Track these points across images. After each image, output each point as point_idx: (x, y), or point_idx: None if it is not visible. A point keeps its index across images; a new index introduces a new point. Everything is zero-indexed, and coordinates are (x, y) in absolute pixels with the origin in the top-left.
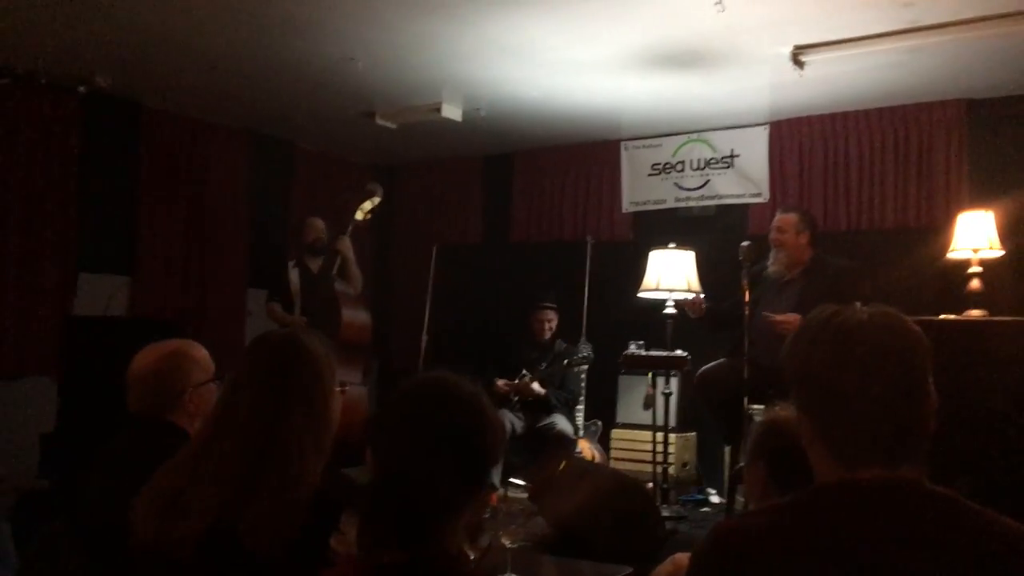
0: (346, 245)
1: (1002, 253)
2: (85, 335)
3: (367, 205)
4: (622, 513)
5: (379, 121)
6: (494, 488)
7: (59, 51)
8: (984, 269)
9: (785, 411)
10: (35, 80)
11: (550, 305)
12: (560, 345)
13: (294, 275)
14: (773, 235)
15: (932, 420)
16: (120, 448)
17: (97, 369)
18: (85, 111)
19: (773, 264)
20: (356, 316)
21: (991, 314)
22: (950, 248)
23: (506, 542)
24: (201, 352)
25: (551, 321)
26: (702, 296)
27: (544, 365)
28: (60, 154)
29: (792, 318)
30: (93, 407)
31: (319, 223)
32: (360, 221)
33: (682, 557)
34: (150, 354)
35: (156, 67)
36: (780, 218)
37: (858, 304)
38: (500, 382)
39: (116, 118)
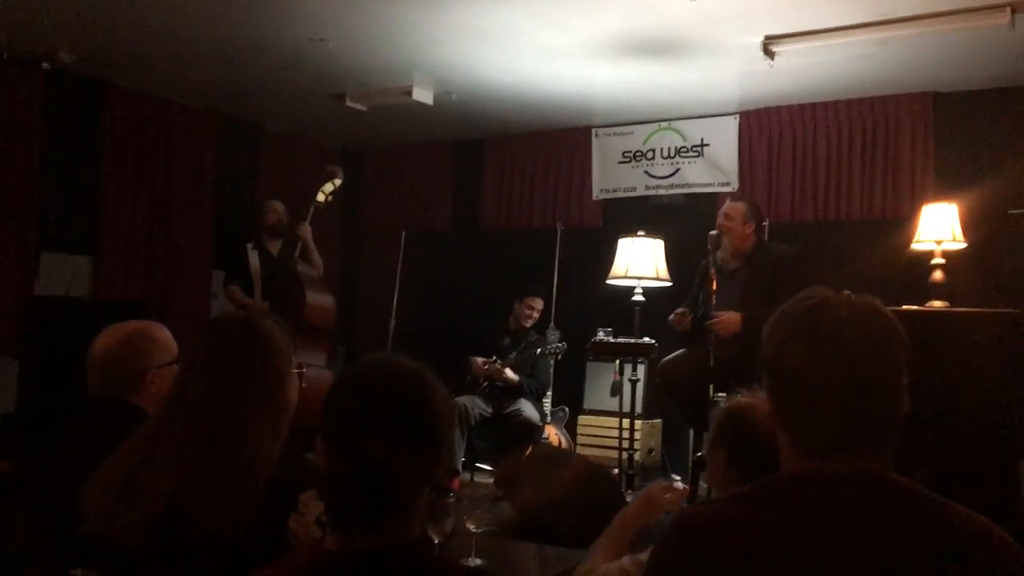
0: (306, 230)
1: (964, 245)
2: (46, 315)
3: (328, 187)
4: (587, 499)
5: (349, 103)
6: (457, 473)
7: (21, 26)
8: (947, 261)
9: (747, 398)
10: None
11: (539, 295)
12: (532, 334)
13: (253, 257)
14: (720, 220)
15: (900, 417)
16: (80, 431)
17: (58, 350)
18: (48, 88)
19: (720, 252)
20: (319, 299)
21: (952, 305)
22: (914, 240)
23: (471, 527)
24: (163, 333)
25: (538, 311)
26: (685, 311)
27: (514, 353)
28: (22, 131)
29: (726, 317)
30: (54, 388)
31: (279, 205)
32: (321, 204)
33: (654, 489)
34: (111, 335)
35: (121, 45)
36: (729, 205)
37: (846, 293)
38: (479, 360)
39: (80, 96)
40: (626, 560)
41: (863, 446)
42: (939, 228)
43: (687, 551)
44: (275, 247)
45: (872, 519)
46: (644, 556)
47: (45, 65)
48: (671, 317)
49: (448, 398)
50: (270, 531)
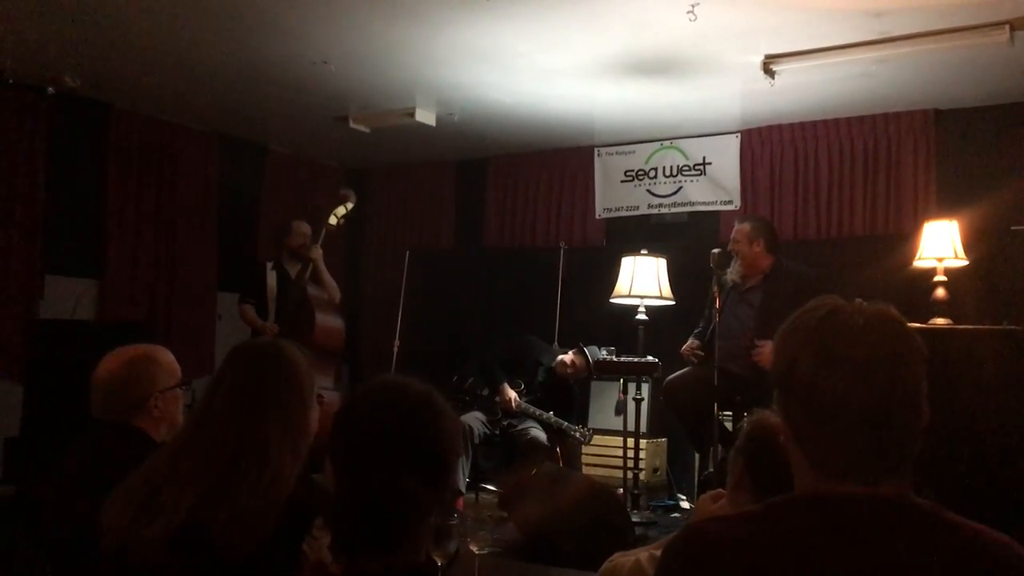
0: (317, 253)
1: (966, 263)
2: (51, 338)
3: (340, 211)
4: (592, 519)
5: (352, 125)
6: (461, 493)
7: (26, 51)
8: (948, 278)
9: (774, 415)
10: (2, 80)
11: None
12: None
13: (271, 278)
14: (730, 245)
15: (920, 434)
16: (83, 454)
17: (63, 373)
18: (53, 112)
19: (730, 273)
20: (329, 321)
21: (955, 323)
22: (916, 257)
23: (474, 549)
24: (167, 357)
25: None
26: (694, 342)
27: (535, 387)
28: (27, 155)
29: (768, 349)
30: (59, 412)
31: (305, 227)
32: (333, 227)
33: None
34: (115, 359)
35: (126, 68)
36: (735, 228)
37: (859, 301)
38: (511, 394)
39: (85, 119)
40: (643, 554)
41: (883, 464)
42: (940, 245)
43: (693, 565)
44: (294, 269)
45: (893, 546)
46: (659, 552)
47: (50, 90)
48: (683, 350)
49: (456, 420)
50: (285, 552)
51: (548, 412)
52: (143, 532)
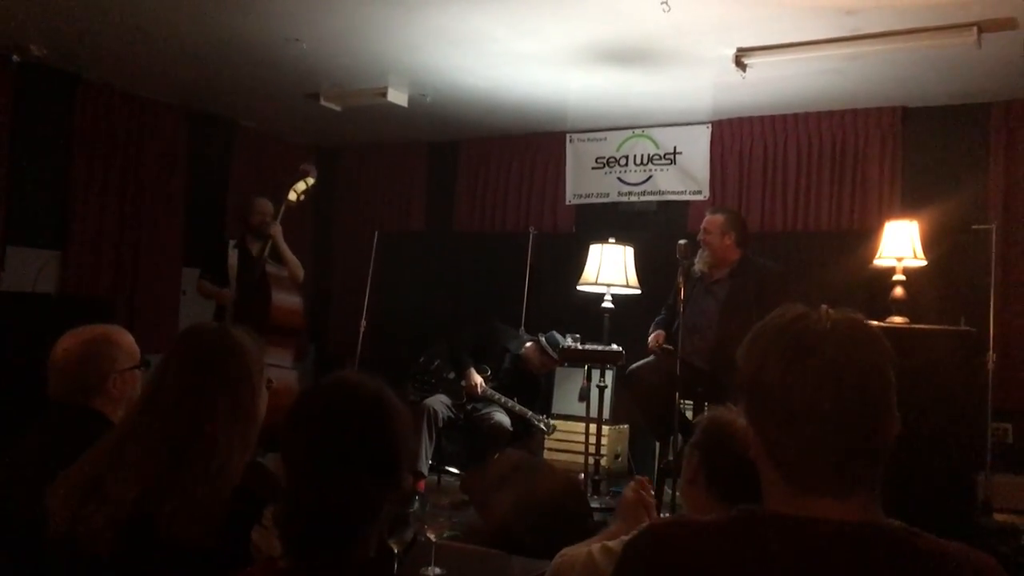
0: (277, 230)
1: (924, 263)
2: (11, 311)
3: (300, 186)
4: (551, 506)
5: (324, 103)
6: (423, 476)
7: None
8: (908, 277)
9: (730, 412)
10: None
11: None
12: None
13: (233, 256)
14: (700, 235)
15: (889, 442)
16: (40, 436)
17: (23, 347)
18: (19, 81)
19: (698, 262)
20: (286, 299)
21: (913, 321)
22: (876, 256)
23: (431, 536)
24: (126, 338)
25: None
26: (660, 332)
27: (501, 374)
28: None
29: None
30: (17, 387)
31: (266, 204)
32: (293, 203)
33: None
34: (73, 339)
35: (94, 39)
36: (707, 219)
37: (824, 307)
38: (477, 379)
39: (51, 89)
40: (594, 546)
41: (853, 475)
42: (900, 245)
43: (652, 566)
44: (256, 247)
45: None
46: (613, 543)
47: (15, 58)
48: (651, 343)
49: (407, 419)
50: (234, 542)
51: (512, 399)
52: (88, 522)
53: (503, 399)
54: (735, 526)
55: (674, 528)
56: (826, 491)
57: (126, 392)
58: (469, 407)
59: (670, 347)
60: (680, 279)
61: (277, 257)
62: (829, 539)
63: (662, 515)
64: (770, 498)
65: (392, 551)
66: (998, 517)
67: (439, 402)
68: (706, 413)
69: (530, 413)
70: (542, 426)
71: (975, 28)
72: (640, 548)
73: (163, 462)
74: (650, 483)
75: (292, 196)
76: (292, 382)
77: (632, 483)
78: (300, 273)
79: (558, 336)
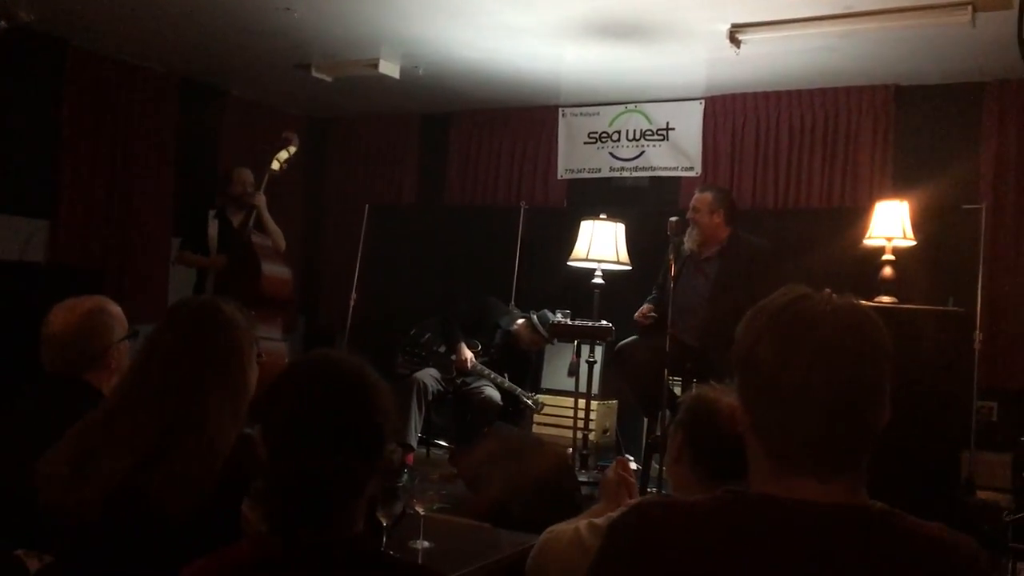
0: (260, 199)
1: (914, 243)
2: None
3: (283, 155)
4: (539, 481)
5: (315, 73)
6: (412, 449)
7: None
8: (897, 257)
9: (715, 390)
10: None
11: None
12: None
13: (213, 227)
14: (689, 213)
15: (876, 431)
16: (34, 409)
17: (11, 316)
18: (6, 46)
19: (688, 240)
20: (274, 270)
21: (901, 300)
22: (866, 235)
23: (420, 509)
24: (117, 308)
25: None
26: (647, 306)
27: (492, 349)
28: None
29: None
30: (6, 357)
31: (247, 175)
32: (276, 172)
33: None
34: (69, 312)
35: (83, 4)
36: (696, 197)
37: (827, 291)
38: (468, 354)
39: (40, 55)
40: (581, 522)
41: (839, 458)
42: (890, 225)
43: (640, 549)
44: (238, 218)
45: (845, 557)
46: (599, 520)
47: (3, 23)
48: (637, 315)
49: (389, 395)
50: (224, 515)
51: (503, 375)
52: (79, 494)
53: (493, 375)
54: (720, 506)
55: (659, 508)
56: (809, 470)
57: (121, 362)
58: (459, 381)
59: (655, 315)
60: (671, 256)
61: (260, 227)
62: (812, 521)
63: (649, 490)
64: (755, 474)
65: (381, 525)
66: (981, 494)
67: (429, 376)
68: (689, 392)
69: (519, 390)
70: (531, 403)
71: (970, 7)
72: (625, 526)
73: (154, 436)
74: (631, 463)
75: (275, 165)
76: (282, 355)
77: (613, 464)
78: (282, 243)
79: (549, 314)
